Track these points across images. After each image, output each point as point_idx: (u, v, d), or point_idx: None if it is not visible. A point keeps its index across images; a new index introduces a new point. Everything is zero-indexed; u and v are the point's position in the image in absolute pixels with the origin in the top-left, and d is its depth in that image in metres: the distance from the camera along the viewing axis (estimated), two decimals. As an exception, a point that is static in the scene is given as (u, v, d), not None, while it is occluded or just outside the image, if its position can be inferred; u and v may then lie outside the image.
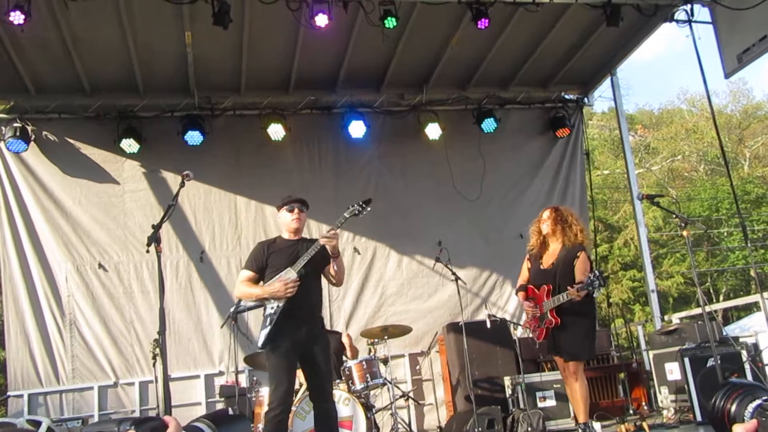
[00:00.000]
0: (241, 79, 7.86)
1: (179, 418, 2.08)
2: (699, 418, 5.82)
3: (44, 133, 7.79)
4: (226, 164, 8.19)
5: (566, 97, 9.25)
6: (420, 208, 8.53)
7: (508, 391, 6.77)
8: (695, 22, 7.25)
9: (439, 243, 7.50)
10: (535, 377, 6.79)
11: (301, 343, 4.49)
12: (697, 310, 9.11)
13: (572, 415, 6.55)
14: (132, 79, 7.59)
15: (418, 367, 8.00)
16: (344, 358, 6.61)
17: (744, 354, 6.06)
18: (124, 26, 6.63)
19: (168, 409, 3.53)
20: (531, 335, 5.62)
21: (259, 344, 4.57)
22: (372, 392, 6.32)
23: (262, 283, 4.66)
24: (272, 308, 4.51)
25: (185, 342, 7.69)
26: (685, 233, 5.23)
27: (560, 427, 6.53)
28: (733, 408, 2.79)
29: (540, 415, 6.25)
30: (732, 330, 10.70)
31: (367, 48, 7.49)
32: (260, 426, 5.69)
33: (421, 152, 8.63)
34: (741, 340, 6.54)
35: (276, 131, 8.00)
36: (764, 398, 2.56)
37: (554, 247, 5.36)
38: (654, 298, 8.58)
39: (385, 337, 6.54)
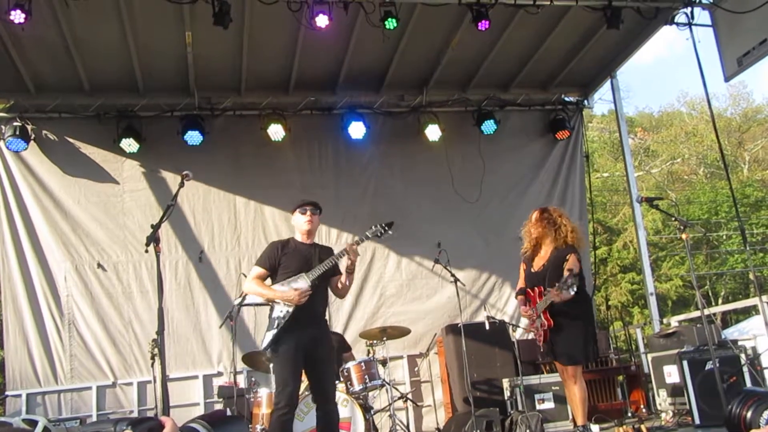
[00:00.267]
0: (241, 80, 7.86)
1: (177, 418, 2.08)
2: (697, 421, 5.82)
3: (44, 132, 7.78)
4: (225, 164, 8.18)
5: (566, 99, 9.26)
6: (419, 210, 8.52)
7: (507, 393, 6.77)
8: (695, 25, 7.26)
9: (438, 244, 7.49)
10: (533, 379, 6.79)
11: (306, 345, 4.55)
12: (696, 313, 9.12)
13: (571, 417, 6.55)
14: (132, 79, 7.59)
15: (416, 369, 8.00)
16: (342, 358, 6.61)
17: (743, 357, 6.06)
18: (124, 26, 6.63)
19: (166, 410, 3.53)
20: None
21: (262, 346, 4.64)
22: (370, 393, 6.32)
23: (270, 282, 4.73)
24: (281, 312, 4.58)
25: (184, 342, 7.68)
26: (684, 236, 5.23)
27: (559, 429, 6.53)
28: (749, 414, 3.05)
29: (538, 417, 6.25)
30: (731, 333, 10.70)
31: (368, 49, 7.49)
32: (258, 427, 5.71)
33: (420, 153, 8.63)
34: (740, 343, 6.53)
35: (276, 132, 7.99)
36: None
37: (545, 249, 5.33)
38: (653, 301, 8.57)
39: (384, 339, 6.53)
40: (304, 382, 5.03)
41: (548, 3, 6.83)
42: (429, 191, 8.61)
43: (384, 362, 6.43)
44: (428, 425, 7.88)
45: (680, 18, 7.32)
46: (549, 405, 6.66)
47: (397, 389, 6.79)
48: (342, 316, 8.09)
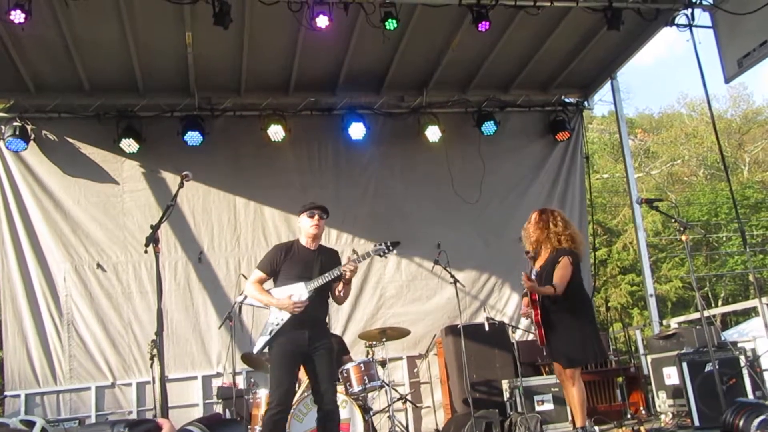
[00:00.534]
0: (242, 80, 7.86)
1: (176, 419, 2.07)
2: (697, 422, 5.81)
3: (44, 132, 7.78)
4: (225, 165, 8.18)
5: (566, 100, 9.26)
6: (419, 210, 8.52)
7: (506, 395, 6.76)
8: (696, 26, 7.26)
9: (438, 245, 7.49)
10: (533, 381, 6.79)
11: (303, 348, 4.53)
12: (696, 315, 9.12)
13: (570, 418, 6.54)
14: (132, 79, 7.58)
15: (416, 370, 7.99)
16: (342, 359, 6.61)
17: (742, 359, 6.06)
18: (124, 26, 6.62)
19: (165, 410, 3.53)
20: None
21: (255, 350, 4.68)
22: (370, 395, 6.31)
23: (273, 284, 4.74)
24: (276, 319, 4.57)
25: (183, 343, 7.67)
26: (684, 237, 5.23)
27: (558, 431, 6.52)
28: (741, 423, 3.42)
29: (538, 418, 6.25)
30: (730, 335, 10.71)
31: (368, 50, 7.49)
32: (257, 428, 5.70)
33: (420, 154, 8.63)
34: (739, 345, 6.53)
35: (276, 132, 7.99)
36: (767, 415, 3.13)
37: (545, 251, 5.34)
38: (652, 302, 8.57)
39: (383, 340, 6.53)
40: (305, 382, 5.03)
41: (549, 4, 6.83)
42: (429, 192, 8.60)
43: (383, 363, 6.42)
44: (427, 426, 7.88)
45: (681, 19, 7.32)
46: (548, 406, 6.65)
47: (396, 390, 6.78)
48: (341, 317, 8.07)
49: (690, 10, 7.23)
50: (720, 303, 24.44)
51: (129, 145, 7.71)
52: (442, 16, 7.05)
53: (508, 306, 8.53)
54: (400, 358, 8.02)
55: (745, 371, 5.97)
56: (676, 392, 6.38)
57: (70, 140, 7.85)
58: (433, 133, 8.39)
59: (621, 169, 18.27)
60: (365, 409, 5.91)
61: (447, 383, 7.56)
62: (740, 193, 25.03)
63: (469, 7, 6.65)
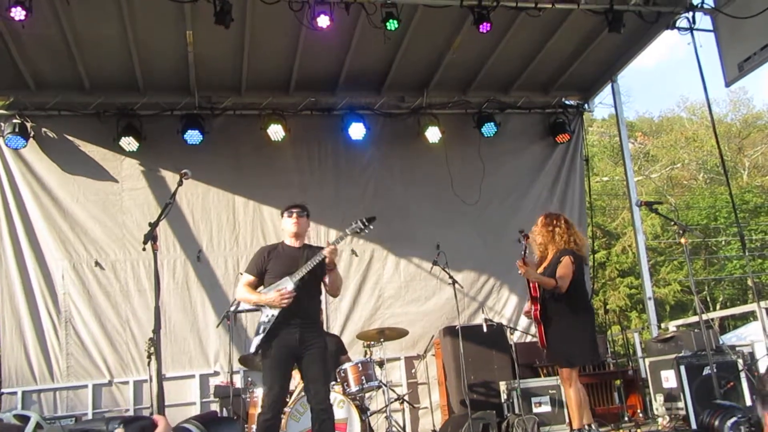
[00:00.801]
0: (242, 79, 7.85)
1: (173, 417, 2.07)
2: (694, 426, 5.80)
3: (43, 129, 7.77)
4: (225, 164, 8.17)
5: (567, 102, 9.26)
6: (419, 211, 8.52)
7: (504, 396, 6.76)
8: (697, 29, 7.26)
9: (437, 246, 7.48)
10: (530, 382, 6.78)
11: (295, 348, 4.53)
12: (694, 318, 9.10)
13: (567, 421, 6.54)
14: (132, 77, 7.58)
15: (413, 371, 7.99)
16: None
17: (740, 363, 6.06)
18: (125, 24, 6.62)
19: (161, 409, 3.52)
20: None
21: (251, 350, 4.67)
22: (367, 395, 6.31)
23: (262, 287, 4.74)
24: (267, 317, 4.58)
25: (181, 341, 7.67)
26: (683, 240, 5.24)
27: (555, 433, 6.52)
28: (717, 423, 3.83)
29: (535, 420, 6.25)
30: (728, 339, 10.69)
31: (369, 50, 7.49)
32: (254, 427, 5.68)
33: (420, 155, 8.62)
34: (737, 348, 6.53)
35: (276, 132, 7.99)
36: (739, 416, 3.48)
37: (550, 253, 5.39)
38: (651, 305, 8.58)
39: (381, 340, 6.52)
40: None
41: (550, 6, 6.83)
42: (428, 193, 8.60)
43: (381, 363, 6.42)
44: (425, 427, 7.87)
45: (682, 23, 7.32)
46: (546, 408, 6.64)
47: (393, 391, 6.78)
48: (340, 317, 8.08)
49: (691, 14, 7.24)
50: (718, 307, 24.46)
51: (128, 143, 7.70)
52: (443, 17, 7.05)
53: (506, 307, 8.52)
54: (398, 359, 8.01)
55: (742, 375, 5.96)
56: (674, 395, 6.38)
57: (70, 138, 7.85)
58: (433, 134, 8.39)
59: (621, 172, 18.28)
60: (362, 410, 5.90)
61: (444, 384, 7.55)
62: (740, 198, 25.06)
63: (471, 9, 6.64)
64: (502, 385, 6.83)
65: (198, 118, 7.89)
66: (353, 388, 5.89)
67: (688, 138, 31.22)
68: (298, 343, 4.52)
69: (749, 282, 23.64)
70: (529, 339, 8.08)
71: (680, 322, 10.59)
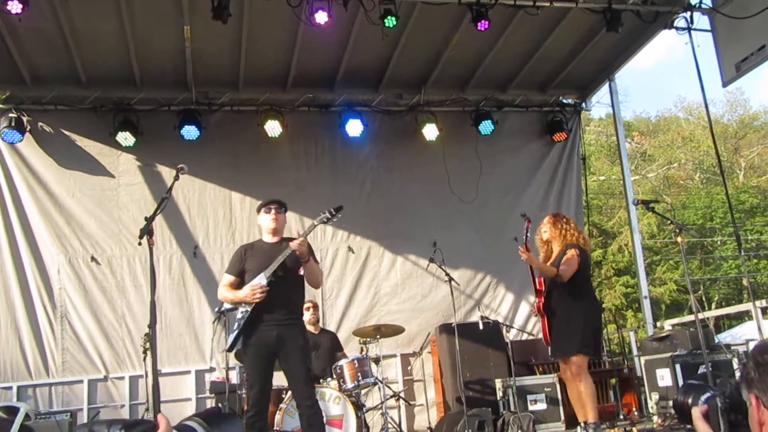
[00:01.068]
0: (239, 75, 7.83)
1: (169, 413, 2.07)
2: (689, 424, 5.82)
3: (40, 124, 7.74)
4: (222, 160, 8.15)
5: (564, 101, 9.26)
6: (415, 209, 8.52)
7: (499, 394, 6.76)
8: (695, 29, 7.27)
9: (433, 244, 7.49)
10: (526, 380, 6.80)
11: (273, 346, 4.50)
12: (689, 318, 9.14)
13: (562, 418, 6.56)
14: (129, 72, 7.55)
15: (409, 368, 7.99)
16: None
17: (735, 361, 6.08)
18: (122, 18, 6.59)
19: (157, 404, 3.51)
20: None
21: (226, 348, 4.71)
22: (363, 391, 6.31)
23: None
24: (241, 313, 4.58)
25: (176, 337, 7.66)
26: (679, 239, 5.25)
27: (550, 430, 6.54)
28: (690, 399, 3.99)
29: (530, 418, 6.26)
30: (723, 338, 10.73)
31: (367, 47, 7.47)
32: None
33: (417, 153, 8.62)
34: (732, 347, 6.55)
35: (273, 128, 7.97)
36: (711, 392, 3.58)
37: (555, 251, 5.47)
38: (647, 304, 8.59)
39: (378, 337, 6.52)
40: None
41: (548, 4, 6.83)
42: (426, 190, 8.60)
43: (377, 360, 6.42)
44: (420, 424, 7.88)
45: (680, 22, 7.34)
46: (541, 406, 6.66)
47: (389, 387, 6.79)
48: (336, 313, 8.08)
49: (689, 13, 7.25)
50: (714, 306, 24.53)
51: (125, 138, 7.68)
52: (441, 15, 7.04)
53: (502, 305, 8.53)
54: (394, 356, 8.02)
55: (737, 374, 5.98)
56: (669, 394, 6.39)
57: (66, 132, 7.82)
58: (430, 132, 8.38)
59: (617, 171, 18.33)
60: (358, 406, 5.91)
61: (440, 381, 7.56)
62: (735, 198, 25.13)
63: (469, 6, 6.64)
64: (498, 383, 6.84)
65: (195, 113, 7.86)
66: (349, 384, 5.90)
67: (684, 138, 31.30)
68: (276, 340, 4.48)
69: (745, 282, 23.73)
70: (525, 337, 8.09)
71: (676, 321, 10.65)
